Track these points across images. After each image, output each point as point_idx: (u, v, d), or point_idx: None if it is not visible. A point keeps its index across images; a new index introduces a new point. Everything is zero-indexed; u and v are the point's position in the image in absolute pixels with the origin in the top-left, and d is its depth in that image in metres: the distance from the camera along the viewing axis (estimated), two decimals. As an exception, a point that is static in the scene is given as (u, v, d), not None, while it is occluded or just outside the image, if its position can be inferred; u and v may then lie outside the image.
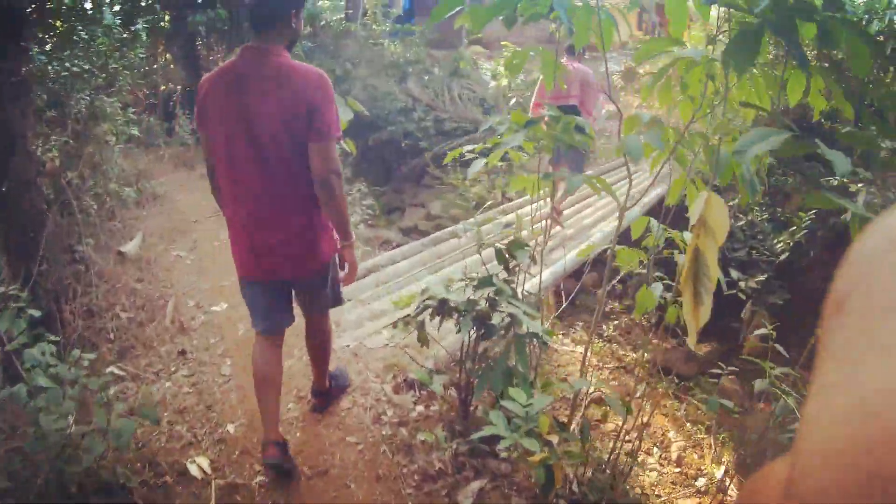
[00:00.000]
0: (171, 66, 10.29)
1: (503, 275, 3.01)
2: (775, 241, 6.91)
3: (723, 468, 6.71)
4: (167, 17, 9.48)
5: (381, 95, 9.98)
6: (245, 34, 9.86)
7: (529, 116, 2.44)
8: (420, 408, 3.28)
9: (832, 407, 0.39)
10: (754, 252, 6.99)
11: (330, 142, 2.40)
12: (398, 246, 8.74)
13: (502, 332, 2.72)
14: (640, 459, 6.32)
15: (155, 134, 8.60)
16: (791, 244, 6.82)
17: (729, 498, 6.36)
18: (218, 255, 5.15)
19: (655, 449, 6.49)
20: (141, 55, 6.49)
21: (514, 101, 10.89)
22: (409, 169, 9.91)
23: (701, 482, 6.34)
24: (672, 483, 6.09)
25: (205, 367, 3.59)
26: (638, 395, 7.20)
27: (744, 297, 6.79)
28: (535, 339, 2.72)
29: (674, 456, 6.57)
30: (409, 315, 2.91)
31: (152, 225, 5.69)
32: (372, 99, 9.53)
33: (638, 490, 5.52)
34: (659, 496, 5.59)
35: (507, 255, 2.96)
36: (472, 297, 2.73)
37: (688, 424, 7.27)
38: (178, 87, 9.77)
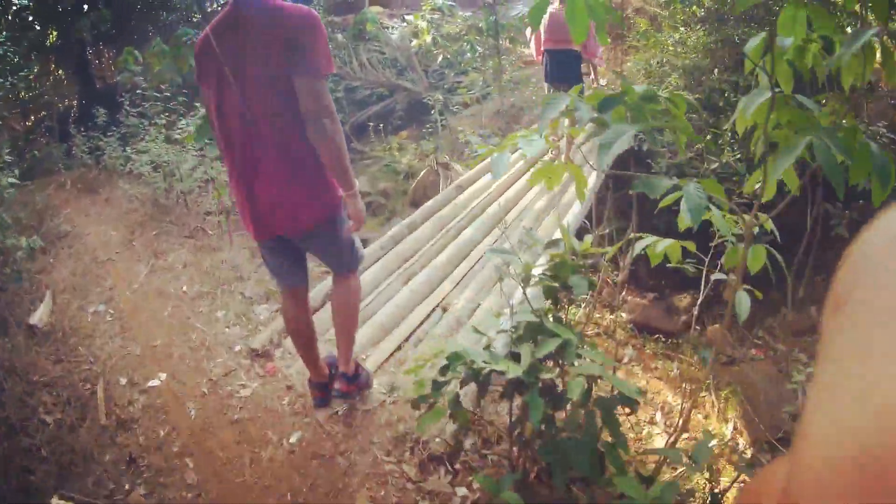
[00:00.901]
0: (65, 83, 9.11)
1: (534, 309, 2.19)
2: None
3: (730, 425, 6.21)
4: (53, 32, 8.36)
5: (285, 74, 9.40)
6: (133, 33, 8.83)
7: (606, 92, 1.61)
8: (462, 491, 2.44)
9: (833, 409, 0.37)
10: (734, 197, 6.36)
11: (318, 79, 2.23)
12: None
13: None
14: (644, 431, 5.78)
15: (54, 159, 7.42)
16: (771, 184, 6.21)
17: (741, 455, 5.84)
18: (140, 303, 4.16)
19: (658, 415, 5.93)
20: (10, 77, 5.39)
21: (441, 58, 10.08)
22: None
23: (712, 444, 5.80)
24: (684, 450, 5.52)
25: (164, 475, 2.67)
26: (626, 360, 6.61)
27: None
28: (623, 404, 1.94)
29: (678, 421, 6.00)
30: (430, 393, 2.05)
31: (61, 275, 4.62)
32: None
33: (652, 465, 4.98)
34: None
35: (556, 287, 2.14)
36: (534, 361, 1.90)
37: (684, 384, 6.67)
38: (74, 103, 8.62)
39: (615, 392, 1.99)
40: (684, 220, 1.64)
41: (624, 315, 7.29)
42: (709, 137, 6.47)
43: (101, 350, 3.61)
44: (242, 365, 3.32)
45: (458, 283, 4.30)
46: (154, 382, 3.28)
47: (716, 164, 6.40)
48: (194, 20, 9.39)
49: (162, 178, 6.01)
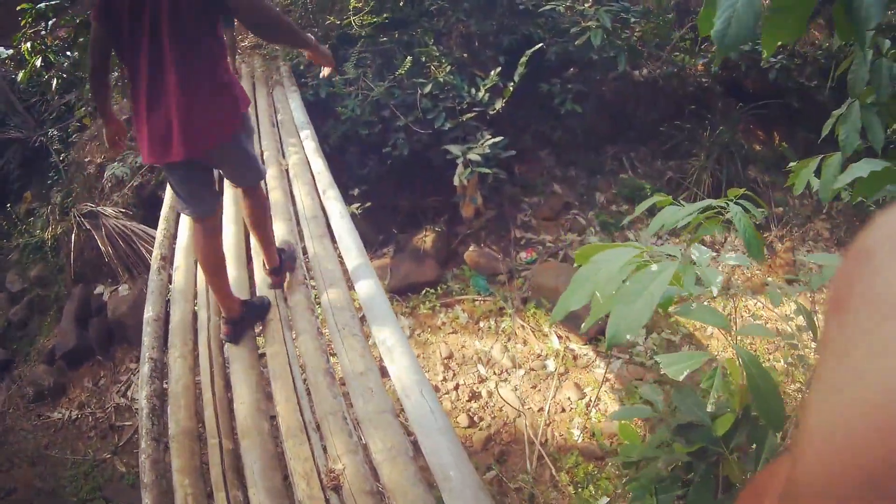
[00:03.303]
0: None
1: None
2: (477, 93, 5.45)
3: (554, 338, 5.75)
4: None
5: None
6: None
7: None
8: None
9: (835, 407, 0.34)
10: (463, 116, 5.43)
11: None
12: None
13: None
14: (484, 391, 5.11)
15: None
16: (511, 90, 5.41)
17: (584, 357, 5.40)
18: None
19: (482, 369, 5.20)
20: None
21: (56, 81, 6.87)
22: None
23: (551, 367, 5.29)
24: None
25: None
26: (407, 333, 5.57)
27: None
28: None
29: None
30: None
31: None
32: None
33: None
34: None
35: None
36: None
37: (480, 324, 5.96)
38: None
39: None
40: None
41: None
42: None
43: None
44: None
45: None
46: None
47: (429, 87, 5.38)
48: None
49: None
